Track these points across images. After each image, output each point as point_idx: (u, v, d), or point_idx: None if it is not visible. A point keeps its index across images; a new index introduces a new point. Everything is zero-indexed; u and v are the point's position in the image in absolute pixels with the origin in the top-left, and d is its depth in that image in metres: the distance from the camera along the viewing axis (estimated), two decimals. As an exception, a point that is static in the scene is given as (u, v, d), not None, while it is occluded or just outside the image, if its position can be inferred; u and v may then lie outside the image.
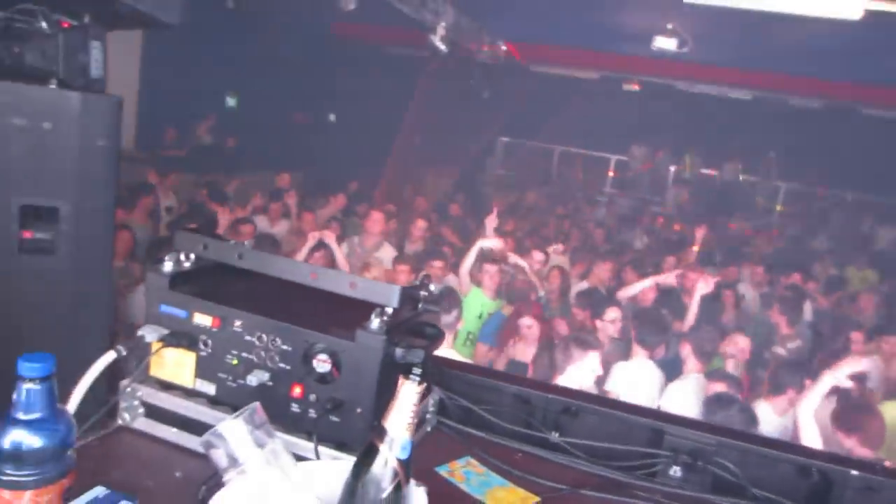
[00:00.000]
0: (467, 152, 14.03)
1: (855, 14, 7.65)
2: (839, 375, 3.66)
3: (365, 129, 11.98)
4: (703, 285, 5.27)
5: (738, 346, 5.01)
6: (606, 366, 4.16)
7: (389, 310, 1.44)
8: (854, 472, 1.63)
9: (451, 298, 3.77)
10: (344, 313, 1.48)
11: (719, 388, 4.03)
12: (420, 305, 1.56)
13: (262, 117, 10.35)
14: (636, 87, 13.29)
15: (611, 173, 15.19)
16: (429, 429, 1.74)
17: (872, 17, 7.63)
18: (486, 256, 5.23)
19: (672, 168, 14.59)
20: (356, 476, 1.08)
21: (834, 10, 7.49)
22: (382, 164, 11.38)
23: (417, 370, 1.09)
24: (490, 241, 5.28)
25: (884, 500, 1.62)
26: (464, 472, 1.60)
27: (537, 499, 1.51)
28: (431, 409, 1.76)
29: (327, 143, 11.72)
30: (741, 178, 14.21)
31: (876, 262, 10.03)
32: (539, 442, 1.79)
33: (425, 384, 1.10)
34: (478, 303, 5.03)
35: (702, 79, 12.28)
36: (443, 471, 1.58)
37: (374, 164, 11.26)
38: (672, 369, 4.58)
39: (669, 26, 7.93)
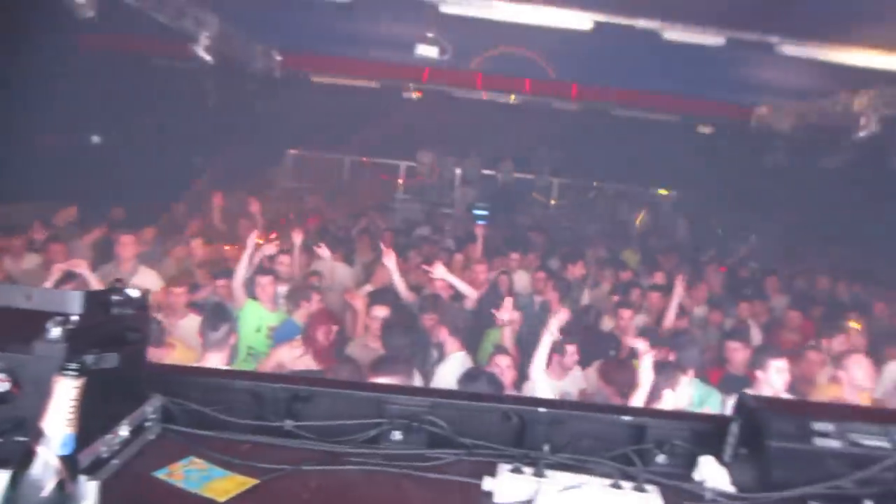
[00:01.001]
0: (253, 167, 13.63)
1: (585, 25, 8.77)
2: (553, 331, 4.24)
3: (135, 150, 11.11)
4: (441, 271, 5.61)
5: (513, 316, 5.49)
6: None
7: (75, 318, 1.41)
8: (542, 410, 1.90)
9: (217, 314, 3.65)
10: (26, 328, 1.41)
11: (502, 361, 4.44)
12: (113, 310, 1.54)
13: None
14: (416, 95, 13.91)
15: (401, 180, 15.68)
16: (151, 437, 1.72)
17: (608, 28, 8.78)
18: (261, 269, 5.13)
19: (457, 171, 15.47)
20: (13, 484, 1.06)
21: (567, 22, 8.51)
22: (156, 186, 10.60)
23: (72, 365, 1.09)
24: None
25: (569, 429, 1.91)
26: (184, 471, 1.60)
27: (255, 481, 1.56)
28: (153, 416, 1.73)
29: (90, 167, 10.61)
30: (517, 175, 15.48)
31: (634, 244, 11.59)
32: (275, 431, 1.85)
33: (84, 378, 1.10)
34: (255, 316, 4.90)
35: (473, 86, 13.22)
36: (161, 474, 1.57)
37: (147, 186, 10.43)
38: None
39: (430, 35, 8.42)
